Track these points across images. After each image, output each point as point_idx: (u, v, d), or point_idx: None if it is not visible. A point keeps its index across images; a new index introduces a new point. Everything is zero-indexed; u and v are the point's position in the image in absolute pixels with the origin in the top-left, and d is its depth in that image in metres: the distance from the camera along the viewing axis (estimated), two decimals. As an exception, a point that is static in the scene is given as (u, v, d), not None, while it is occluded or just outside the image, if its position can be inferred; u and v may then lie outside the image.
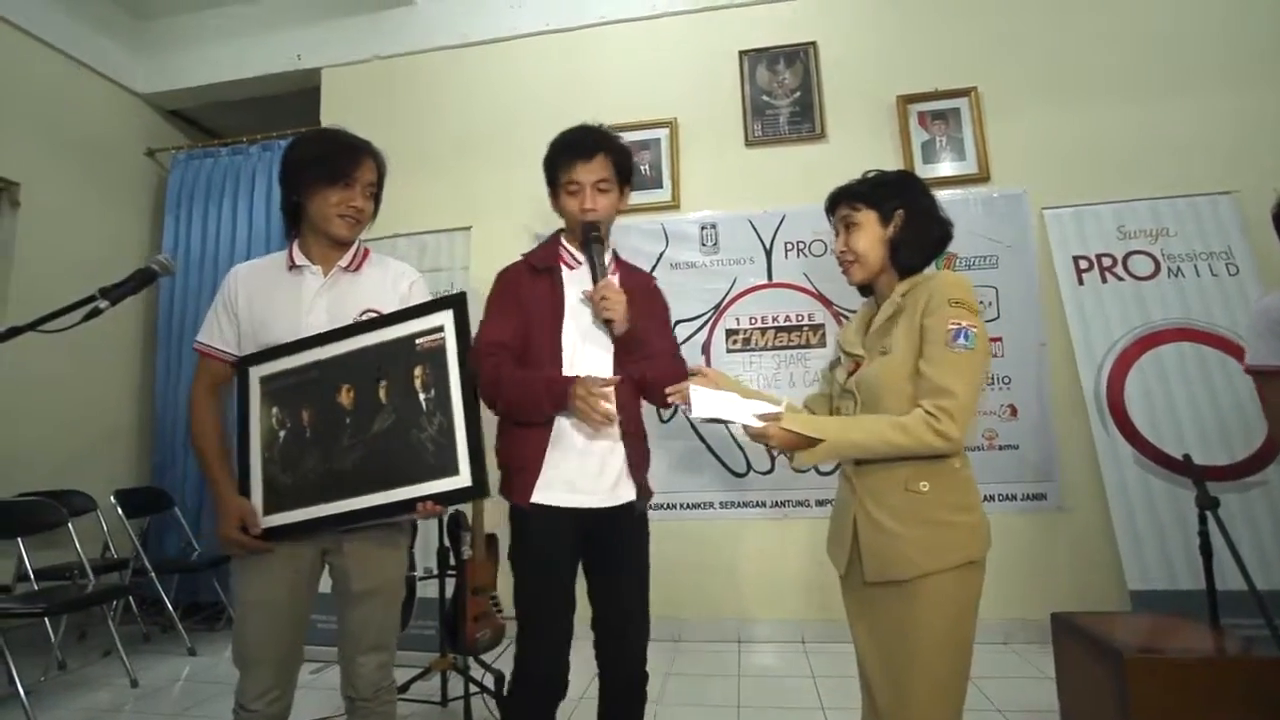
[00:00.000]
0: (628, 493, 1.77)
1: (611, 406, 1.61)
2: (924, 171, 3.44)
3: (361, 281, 1.81)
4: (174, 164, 4.30)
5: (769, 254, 3.46)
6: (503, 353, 1.73)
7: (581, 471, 1.75)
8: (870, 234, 1.57)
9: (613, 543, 1.78)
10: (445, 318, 1.60)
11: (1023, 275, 3.33)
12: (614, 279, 1.85)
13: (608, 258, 1.86)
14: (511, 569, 1.74)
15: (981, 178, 3.41)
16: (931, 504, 1.45)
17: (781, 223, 3.46)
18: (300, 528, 1.59)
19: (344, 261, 1.81)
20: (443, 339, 1.58)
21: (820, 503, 3.30)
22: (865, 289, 1.65)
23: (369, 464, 1.54)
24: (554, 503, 1.72)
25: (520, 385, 1.69)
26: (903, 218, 1.58)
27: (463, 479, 1.54)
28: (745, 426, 1.47)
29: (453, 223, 3.58)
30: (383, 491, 1.53)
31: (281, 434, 1.59)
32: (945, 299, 1.47)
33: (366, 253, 1.87)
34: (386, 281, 1.83)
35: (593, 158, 1.82)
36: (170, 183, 4.27)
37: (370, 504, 1.53)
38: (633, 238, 3.54)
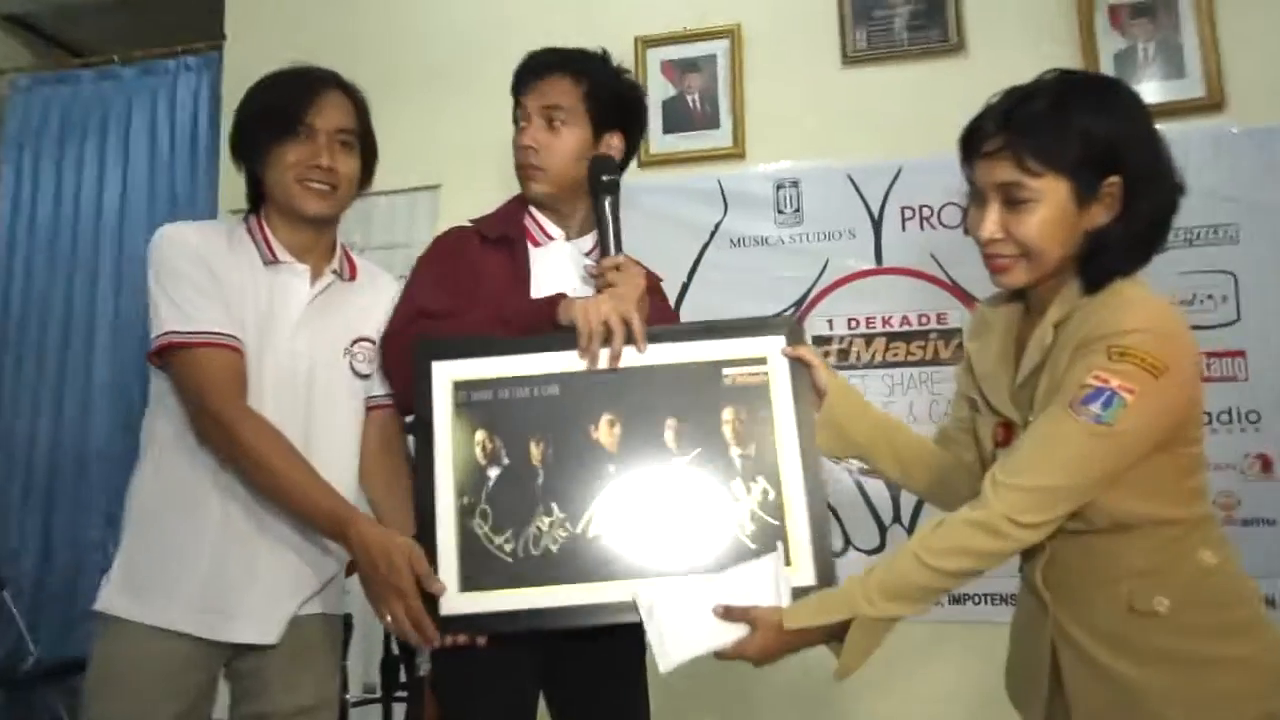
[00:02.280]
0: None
1: None
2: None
3: (353, 297, 1.69)
4: (13, 92, 3.94)
5: (878, 225, 3.01)
6: (433, 324, 1.56)
7: None
8: (1054, 215, 1.24)
9: (595, 670, 1.61)
10: (771, 346, 1.49)
11: (1278, 253, 2.70)
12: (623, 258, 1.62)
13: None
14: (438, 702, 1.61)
15: (1211, 104, 2.80)
16: (1179, 630, 1.22)
17: (896, 179, 2.99)
18: (523, 620, 1.41)
19: (336, 264, 1.68)
20: (766, 376, 1.48)
21: (984, 599, 2.72)
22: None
23: (646, 537, 1.42)
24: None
25: None
26: (1120, 191, 1.23)
27: (799, 574, 1.40)
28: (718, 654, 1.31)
29: (414, 180, 3.25)
30: (664, 579, 1.40)
31: (493, 473, 1.45)
32: (1108, 344, 1.18)
33: (352, 259, 1.73)
34: (377, 298, 1.71)
35: (542, 77, 1.67)
36: (7, 119, 3.90)
37: (644, 591, 1.38)
38: (672, 202, 3.09)
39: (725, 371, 1.50)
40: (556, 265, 1.70)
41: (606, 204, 1.61)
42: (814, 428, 1.46)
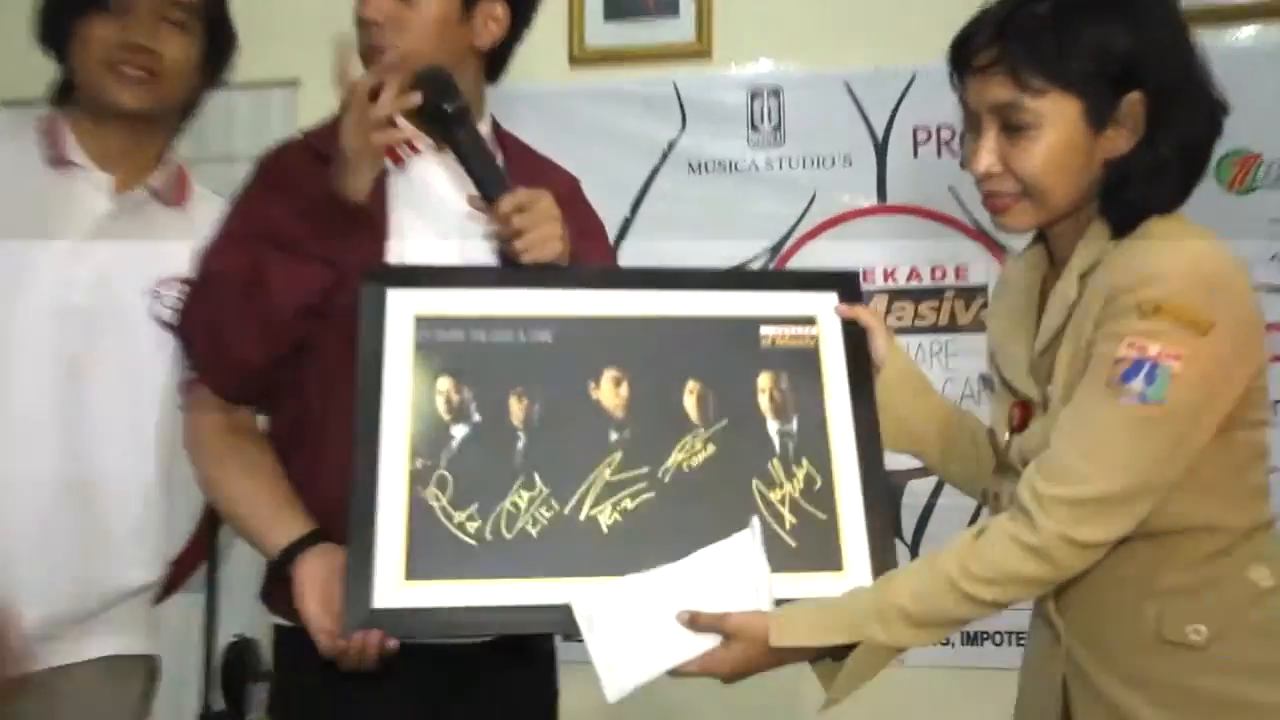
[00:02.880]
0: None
1: None
2: None
3: (177, 227, 1.58)
4: None
5: (882, 150, 2.74)
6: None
7: None
8: (1061, 143, 1.19)
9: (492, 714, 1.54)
10: (823, 304, 1.46)
11: None
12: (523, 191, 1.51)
13: (484, 130, 1.59)
14: None
15: None
16: (1221, 668, 1.16)
17: (908, 89, 2.71)
18: (484, 622, 1.35)
19: (158, 180, 1.58)
20: (815, 339, 1.44)
21: (1005, 639, 2.59)
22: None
23: (657, 523, 1.35)
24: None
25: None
26: (1143, 110, 1.16)
27: (852, 580, 1.36)
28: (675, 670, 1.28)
29: (263, 73, 2.68)
30: (604, 581, 1.34)
31: (458, 432, 1.37)
32: (1137, 299, 1.12)
33: (187, 177, 1.66)
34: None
35: None
36: None
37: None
38: (613, 112, 2.80)
39: (764, 331, 1.47)
40: (428, 190, 1.53)
41: (461, 138, 1.46)
42: (875, 401, 1.44)
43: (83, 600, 1.49)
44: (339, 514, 1.38)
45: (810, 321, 1.47)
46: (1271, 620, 1.20)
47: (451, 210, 1.53)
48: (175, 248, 1.56)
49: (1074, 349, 1.24)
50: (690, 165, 2.79)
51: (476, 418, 1.40)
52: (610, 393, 1.43)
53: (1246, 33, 2.54)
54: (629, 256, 2.59)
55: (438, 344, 1.44)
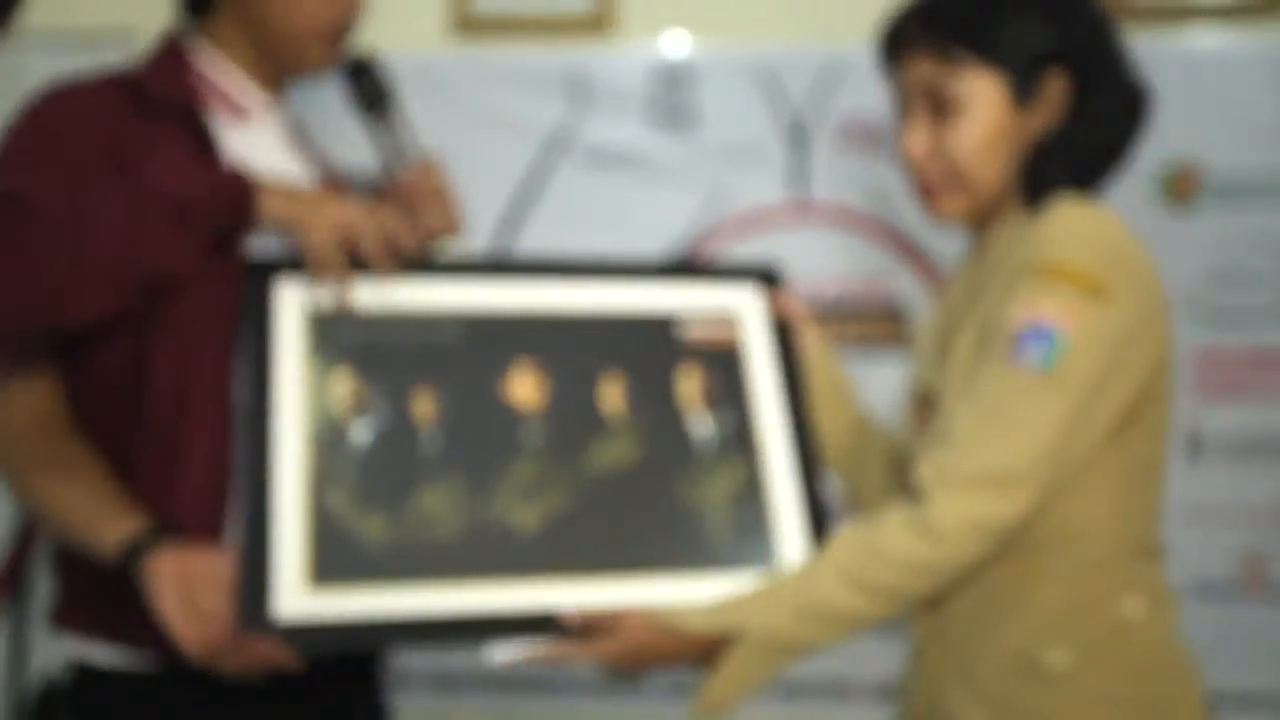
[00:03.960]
0: None
1: None
2: None
3: None
4: None
5: (803, 143, 2.65)
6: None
7: None
8: (988, 122, 1.29)
9: None
10: (746, 296, 1.54)
11: None
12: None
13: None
14: None
15: (1272, 4, 2.50)
16: (1081, 698, 1.23)
17: (836, 75, 2.61)
18: (392, 632, 1.36)
19: None
20: (738, 330, 1.52)
21: (851, 690, 2.58)
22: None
23: (577, 523, 1.40)
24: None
25: (99, 202, 1.34)
26: (1066, 89, 1.28)
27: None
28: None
29: (90, 16, 2.72)
30: (606, 575, 1.38)
31: (359, 430, 1.41)
32: (1033, 263, 1.20)
33: None
34: None
35: None
36: None
37: (576, 596, 1.35)
38: (499, 91, 2.66)
39: (684, 324, 1.53)
40: (265, 157, 1.51)
41: (385, 120, 1.56)
42: (806, 391, 1.50)
43: None
44: (199, 525, 1.37)
45: (733, 314, 1.52)
46: (1137, 655, 1.25)
47: (283, 178, 1.50)
48: None
49: (978, 324, 1.29)
50: (587, 153, 2.65)
51: (382, 416, 1.42)
52: (525, 391, 1.46)
53: (1195, 36, 2.56)
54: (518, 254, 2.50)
55: (338, 332, 1.45)
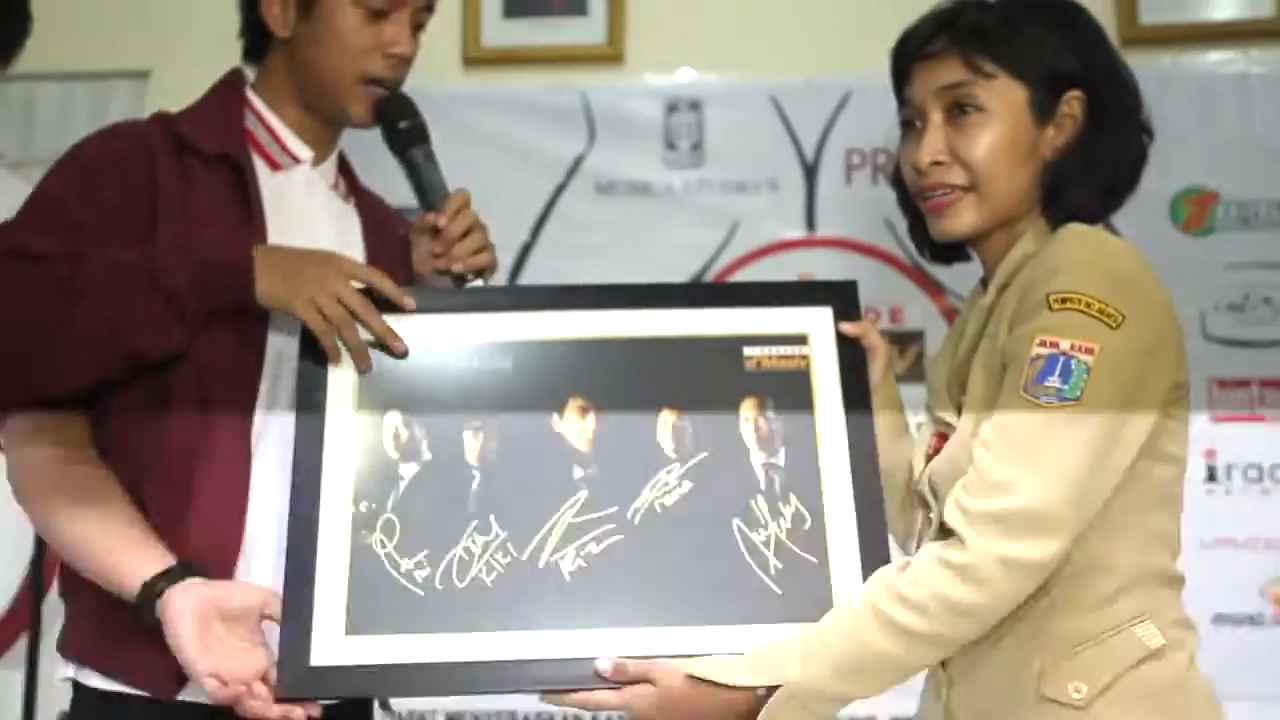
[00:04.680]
0: None
1: None
2: (1158, 9, 2.54)
3: None
4: None
5: (811, 174, 2.69)
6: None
7: None
8: (1009, 132, 1.29)
9: None
10: (817, 321, 1.45)
11: None
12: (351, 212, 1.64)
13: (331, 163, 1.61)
14: None
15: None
16: None
17: (842, 107, 2.67)
18: (433, 680, 1.35)
19: None
20: (806, 360, 1.43)
21: None
22: (954, 248, 1.41)
23: (625, 569, 1.35)
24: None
25: (101, 270, 1.32)
26: (1082, 108, 1.29)
27: None
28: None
29: (107, 62, 2.77)
30: (652, 629, 1.31)
31: (407, 471, 1.37)
32: (1046, 292, 1.19)
33: None
34: None
35: None
36: None
37: (618, 648, 1.30)
38: (511, 122, 2.72)
39: (748, 351, 1.46)
40: (300, 205, 1.52)
41: (420, 156, 1.52)
42: (873, 431, 1.43)
43: None
44: (213, 561, 1.35)
45: (801, 340, 1.44)
46: (1158, 683, 1.22)
47: (310, 230, 1.50)
48: None
49: (989, 352, 1.28)
50: (598, 185, 2.71)
51: (427, 455, 1.39)
52: (576, 424, 1.42)
53: (1211, 58, 2.55)
54: (526, 285, 2.50)
55: (386, 374, 1.42)
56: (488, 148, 2.62)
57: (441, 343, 1.44)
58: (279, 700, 1.30)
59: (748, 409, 1.42)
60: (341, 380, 1.41)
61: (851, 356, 1.43)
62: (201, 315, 1.36)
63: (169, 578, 1.31)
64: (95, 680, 1.38)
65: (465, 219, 1.53)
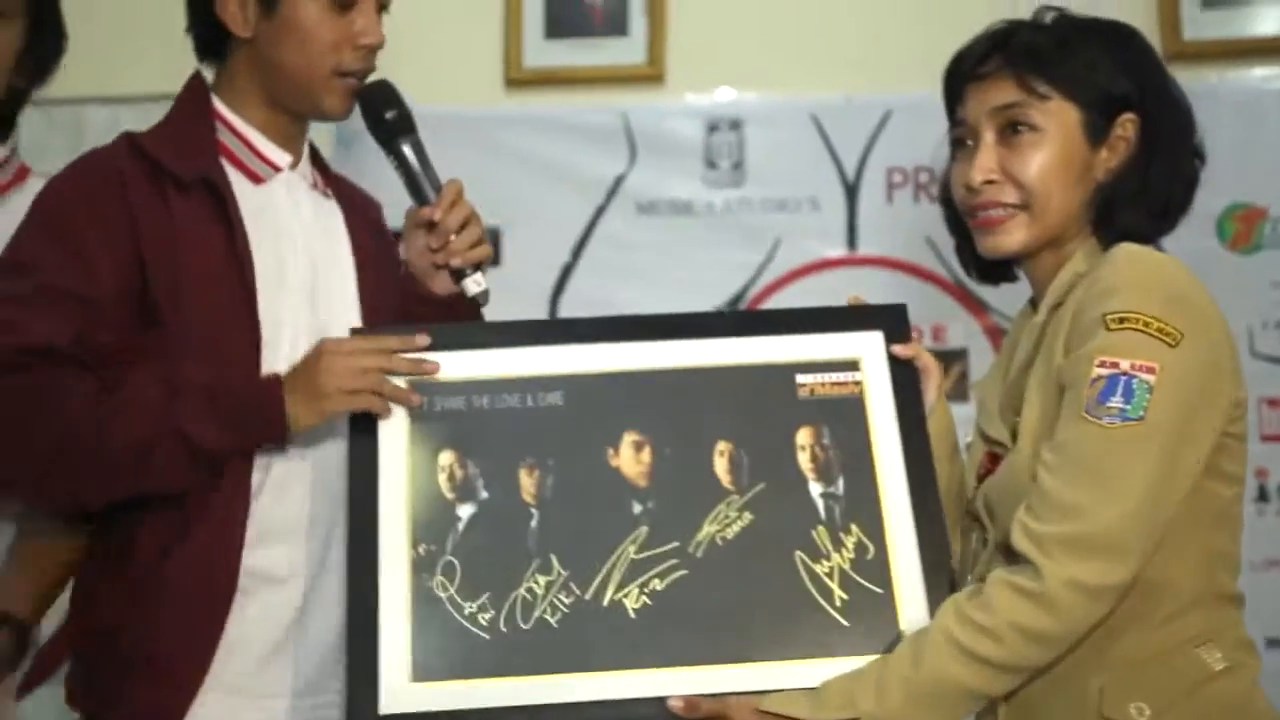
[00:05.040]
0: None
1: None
2: (1203, 25, 2.55)
3: (5, 221, 1.50)
4: None
5: (853, 192, 2.69)
6: (63, 372, 1.34)
7: (314, 643, 1.43)
8: (1062, 152, 1.28)
9: None
10: (868, 345, 1.43)
11: None
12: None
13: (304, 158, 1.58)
14: None
15: None
16: None
17: (883, 125, 2.67)
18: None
19: None
20: (860, 386, 1.41)
21: None
22: (1001, 267, 1.41)
23: (689, 605, 1.33)
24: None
25: (127, 407, 1.31)
26: (1136, 131, 1.28)
27: None
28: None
29: (153, 85, 2.54)
30: (719, 666, 1.30)
31: (465, 512, 1.37)
32: (1102, 312, 1.18)
33: (24, 172, 1.66)
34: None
35: None
36: None
37: (687, 686, 1.28)
38: (554, 142, 2.73)
39: (800, 379, 1.45)
40: (287, 217, 1.49)
41: (408, 149, 1.47)
42: (930, 455, 1.41)
43: None
44: (203, 604, 1.35)
45: (853, 366, 1.43)
46: (1221, 704, 1.20)
47: (298, 237, 1.50)
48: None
49: (1044, 373, 1.27)
50: (639, 205, 2.71)
51: (484, 495, 1.38)
52: (631, 459, 1.40)
53: (1256, 74, 2.55)
54: (568, 306, 2.58)
55: (437, 413, 1.41)
56: (529, 168, 2.62)
57: (490, 378, 1.43)
58: None
59: (803, 438, 1.40)
60: (392, 423, 1.40)
61: (905, 380, 1.41)
62: (227, 458, 1.37)
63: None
64: None
65: (461, 211, 1.48)
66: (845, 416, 1.41)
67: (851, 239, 2.67)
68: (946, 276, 2.58)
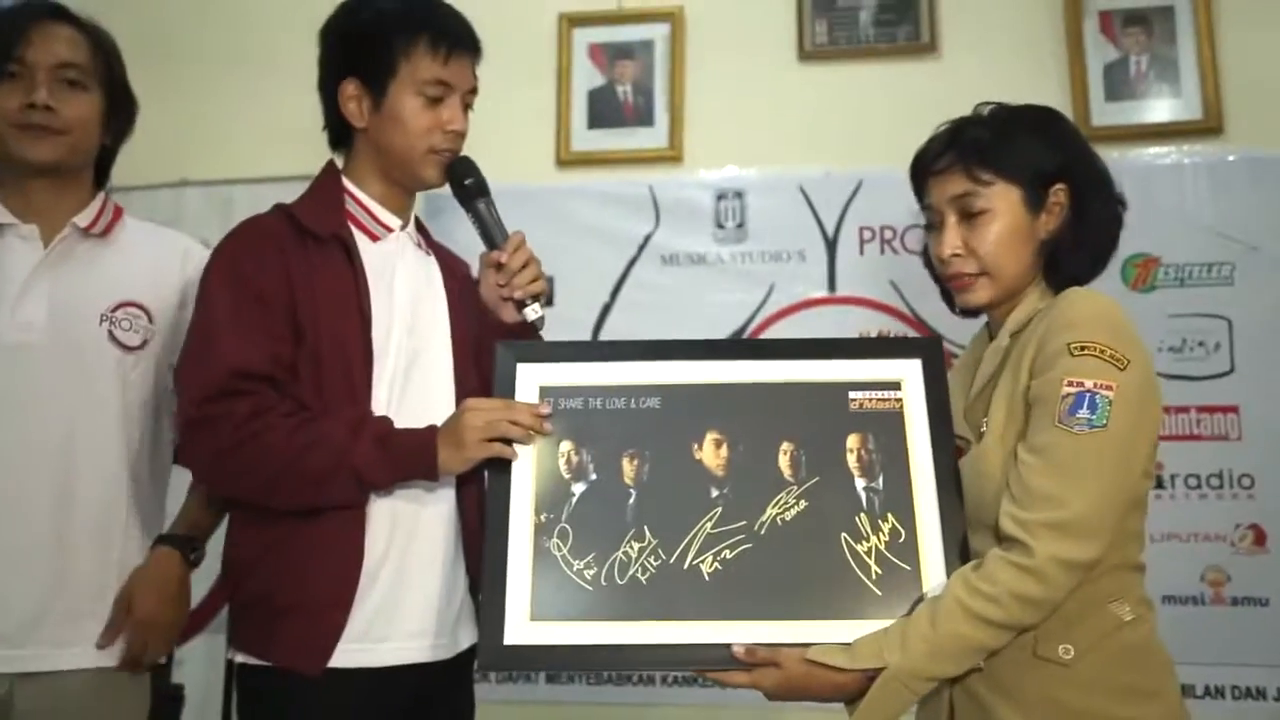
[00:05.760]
0: (468, 632, 1.56)
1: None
2: (1107, 114, 2.76)
3: (113, 256, 1.63)
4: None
5: (832, 246, 2.89)
6: (261, 390, 1.43)
7: (427, 596, 1.49)
8: (1009, 226, 1.39)
9: None
10: (909, 370, 1.49)
11: (1278, 299, 2.62)
12: (429, 262, 1.67)
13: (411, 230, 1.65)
14: None
15: (1209, 128, 2.71)
16: (1082, 684, 1.27)
17: (855, 194, 2.88)
18: (600, 657, 1.45)
19: (83, 219, 1.60)
20: (900, 403, 1.47)
21: None
22: (973, 309, 1.47)
23: (753, 572, 1.40)
24: (366, 663, 1.44)
25: (317, 444, 1.41)
26: (1067, 196, 1.39)
27: None
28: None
29: (287, 169, 2.80)
30: (775, 622, 1.36)
31: (578, 489, 1.45)
32: (1065, 342, 1.27)
33: (119, 212, 1.68)
34: (157, 259, 1.67)
35: (471, 54, 1.58)
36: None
37: (748, 636, 1.35)
38: (595, 209, 2.92)
39: (852, 395, 1.49)
40: (398, 268, 1.57)
41: (482, 206, 1.58)
42: (955, 460, 1.43)
43: (55, 603, 1.50)
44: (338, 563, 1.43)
45: (896, 386, 1.49)
46: (1128, 651, 1.31)
47: (415, 289, 1.59)
48: (118, 275, 1.62)
49: (1011, 388, 1.35)
50: (663, 258, 2.97)
51: (594, 476, 1.47)
52: (712, 453, 1.47)
53: (1149, 152, 2.77)
54: (606, 337, 2.81)
55: (560, 411, 1.49)
56: (576, 230, 2.88)
57: (603, 385, 1.52)
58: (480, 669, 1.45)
59: (852, 442, 1.47)
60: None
61: (937, 398, 1.46)
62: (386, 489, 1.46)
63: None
64: (254, 662, 1.47)
65: (522, 254, 1.57)
66: (887, 426, 1.47)
67: (832, 283, 2.90)
68: (907, 312, 2.81)
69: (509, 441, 1.43)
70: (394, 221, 1.58)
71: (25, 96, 1.53)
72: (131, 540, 1.58)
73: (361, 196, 1.58)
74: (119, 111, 1.66)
